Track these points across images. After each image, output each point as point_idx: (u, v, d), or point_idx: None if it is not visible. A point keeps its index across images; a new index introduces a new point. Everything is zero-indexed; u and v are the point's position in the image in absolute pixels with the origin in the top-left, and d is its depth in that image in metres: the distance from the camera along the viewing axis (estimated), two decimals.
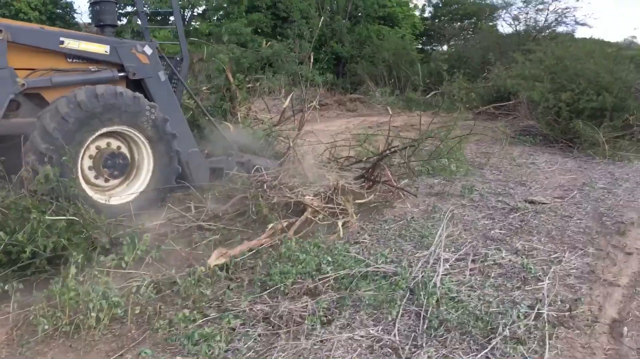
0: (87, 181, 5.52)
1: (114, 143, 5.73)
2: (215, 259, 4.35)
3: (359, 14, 23.14)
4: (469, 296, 3.93)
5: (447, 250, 4.88)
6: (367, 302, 3.74)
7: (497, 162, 9.16)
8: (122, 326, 3.46)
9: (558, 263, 4.65)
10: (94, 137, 5.40)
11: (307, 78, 15.40)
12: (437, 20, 26.76)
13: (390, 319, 3.58)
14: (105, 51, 5.99)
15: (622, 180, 7.93)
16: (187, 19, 20.12)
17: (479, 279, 4.28)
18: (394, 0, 24.59)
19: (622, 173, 8.40)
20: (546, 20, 22.82)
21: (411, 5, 26.12)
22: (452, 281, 4.20)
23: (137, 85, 6.19)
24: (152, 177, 5.90)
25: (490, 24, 25.15)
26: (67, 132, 5.10)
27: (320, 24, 15.48)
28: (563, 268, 4.55)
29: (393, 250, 4.94)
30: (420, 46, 26.45)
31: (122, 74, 6.09)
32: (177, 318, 3.35)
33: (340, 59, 22.00)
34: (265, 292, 3.90)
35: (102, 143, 5.63)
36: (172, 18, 17.68)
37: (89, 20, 18.78)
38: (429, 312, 3.61)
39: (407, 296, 3.86)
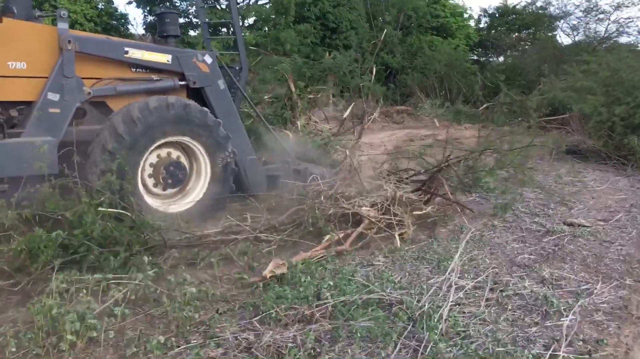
0: (146, 189, 5.74)
1: (174, 153, 5.93)
2: (271, 269, 4.29)
3: (411, 24, 22.68)
4: (478, 331, 3.56)
5: (465, 276, 4.52)
6: (361, 334, 3.44)
7: (541, 179, 8.62)
8: (101, 349, 3.31)
9: (587, 296, 4.21)
10: (158, 144, 5.65)
11: (369, 89, 15.24)
12: (493, 31, 25.91)
13: (384, 355, 3.27)
14: (167, 60, 6.17)
15: None
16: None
17: (494, 311, 3.90)
18: (447, 11, 24.07)
19: None
20: (607, 30, 21.68)
21: (465, 16, 25.47)
22: (464, 312, 3.86)
23: (197, 93, 6.36)
24: (208, 188, 6.05)
25: (550, 34, 24.09)
26: (135, 134, 5.36)
27: (383, 36, 15.23)
28: (592, 302, 4.11)
29: (407, 274, 4.63)
30: (474, 57, 25.65)
31: (182, 83, 6.26)
32: (151, 344, 3.16)
33: (391, 69, 21.63)
34: (256, 318, 3.67)
35: (163, 152, 5.83)
36: (224, 29, 18.10)
37: (143, 32, 19.40)
38: (427, 349, 3.29)
39: (408, 328, 3.54)
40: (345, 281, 4.18)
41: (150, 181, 5.78)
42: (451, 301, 3.82)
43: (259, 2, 20.59)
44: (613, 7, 21.73)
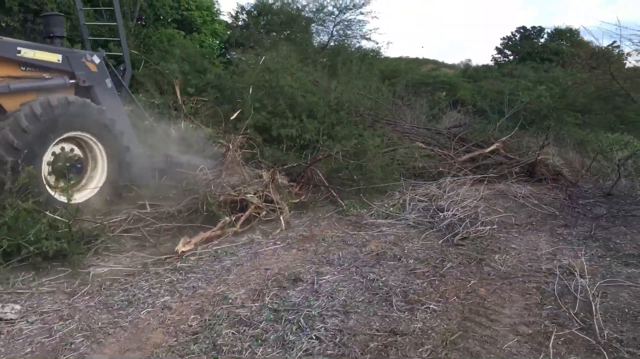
0: (47, 182, 5.92)
1: (68, 147, 6.19)
2: (182, 246, 5.04)
3: (147, 16, 20.42)
4: None
5: None
6: None
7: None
8: None
9: None
10: (59, 139, 5.92)
11: None
12: (244, 30, 23.95)
13: None
14: (58, 60, 6.46)
15: None
16: None
17: None
18: (192, 4, 22.12)
19: None
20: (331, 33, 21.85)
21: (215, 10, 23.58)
22: None
23: (85, 91, 6.67)
24: (106, 179, 6.42)
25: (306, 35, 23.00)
26: (38, 130, 5.62)
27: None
28: None
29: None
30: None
31: (72, 81, 6.56)
32: None
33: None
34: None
35: (57, 148, 6.07)
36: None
37: None
38: None
39: None
40: None
41: (50, 177, 6.02)
42: None
43: None
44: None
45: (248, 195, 6.14)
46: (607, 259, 5.37)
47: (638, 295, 4.43)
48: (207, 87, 10.79)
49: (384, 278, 4.56)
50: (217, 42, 23.98)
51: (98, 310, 3.81)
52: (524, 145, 10.94)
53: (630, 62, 12.11)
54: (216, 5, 24.06)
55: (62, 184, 5.95)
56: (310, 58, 16.42)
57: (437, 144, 10.20)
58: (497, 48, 40.54)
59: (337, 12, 23.24)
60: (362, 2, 22.96)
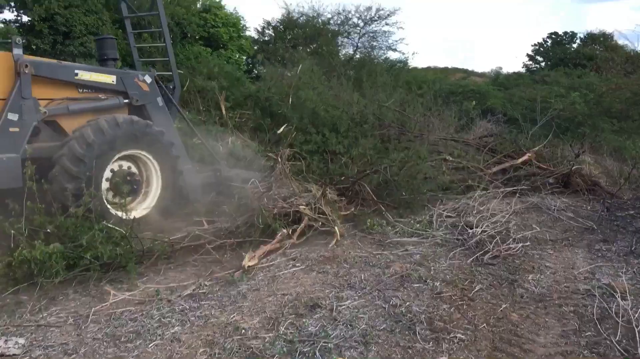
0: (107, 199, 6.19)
1: (125, 165, 6.41)
2: (248, 260, 5.04)
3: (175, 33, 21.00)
4: None
5: None
6: None
7: None
8: None
9: None
10: (118, 156, 6.18)
11: None
12: (270, 44, 24.07)
13: None
14: (113, 81, 6.73)
15: None
16: None
17: None
18: (219, 20, 22.67)
19: None
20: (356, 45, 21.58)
21: (241, 26, 23.98)
22: None
23: (138, 110, 6.89)
24: (161, 194, 6.60)
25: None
26: (102, 144, 5.90)
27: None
28: None
29: None
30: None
31: (126, 101, 6.83)
32: None
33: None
34: None
35: (115, 166, 6.29)
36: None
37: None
38: None
39: None
40: None
41: (109, 193, 6.22)
42: None
43: None
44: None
45: (301, 207, 6.13)
46: None
47: None
48: (245, 101, 10.92)
49: (407, 303, 4.28)
50: (244, 57, 24.15)
51: (105, 343, 3.63)
52: (559, 154, 10.50)
53: None
54: (242, 21, 24.36)
55: (119, 200, 6.14)
56: (337, 71, 16.25)
57: (466, 156, 9.86)
58: (528, 54, 39.74)
59: (362, 24, 23.12)
60: (388, 13, 22.86)
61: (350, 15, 23.37)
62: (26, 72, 5.77)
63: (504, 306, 4.30)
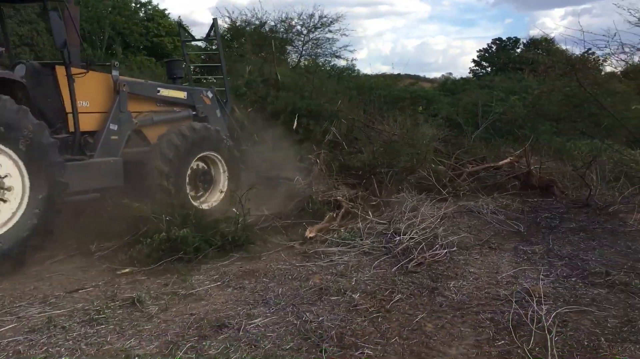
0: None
1: (200, 164, 7.49)
2: (309, 233, 6.32)
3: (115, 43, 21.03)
4: None
5: None
6: None
7: None
8: None
9: None
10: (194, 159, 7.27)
11: None
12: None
13: None
14: (184, 96, 7.93)
15: None
16: None
17: None
18: (162, 29, 22.76)
19: None
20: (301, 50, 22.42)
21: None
22: None
23: (202, 120, 7.94)
24: (227, 186, 7.71)
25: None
26: (186, 147, 7.00)
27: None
28: None
29: None
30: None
31: (194, 113, 7.98)
32: None
33: None
34: None
35: (194, 165, 7.35)
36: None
37: None
38: None
39: None
40: None
41: (188, 187, 7.24)
42: None
43: None
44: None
45: (339, 197, 7.61)
46: (573, 279, 4.97)
47: (601, 322, 4.00)
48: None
49: (320, 318, 4.07)
50: (191, 67, 23.67)
51: None
52: (500, 156, 10.62)
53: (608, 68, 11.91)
54: (188, 30, 23.85)
55: (199, 193, 7.48)
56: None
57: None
58: (474, 60, 40.54)
59: (305, 32, 23.05)
60: (331, 20, 22.89)
61: (294, 23, 23.28)
62: (124, 90, 6.80)
63: (420, 316, 4.14)
